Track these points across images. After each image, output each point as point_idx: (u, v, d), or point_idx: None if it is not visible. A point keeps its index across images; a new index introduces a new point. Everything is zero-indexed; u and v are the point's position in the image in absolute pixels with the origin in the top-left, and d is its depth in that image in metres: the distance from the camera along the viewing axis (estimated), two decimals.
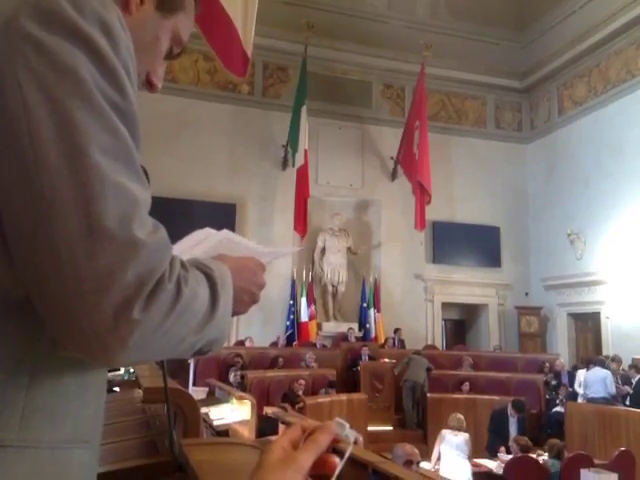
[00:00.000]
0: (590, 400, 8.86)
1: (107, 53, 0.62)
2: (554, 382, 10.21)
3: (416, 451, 4.28)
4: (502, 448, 7.21)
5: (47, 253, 0.58)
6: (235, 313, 0.79)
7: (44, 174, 0.58)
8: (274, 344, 11.36)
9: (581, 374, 9.61)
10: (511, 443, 6.95)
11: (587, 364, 9.61)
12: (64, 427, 0.68)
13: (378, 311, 12.61)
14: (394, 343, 12.13)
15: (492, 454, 7.31)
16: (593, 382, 9.08)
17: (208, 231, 0.99)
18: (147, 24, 0.80)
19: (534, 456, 6.11)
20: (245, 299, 0.84)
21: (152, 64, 0.85)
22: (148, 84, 0.86)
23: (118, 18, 0.65)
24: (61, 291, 0.58)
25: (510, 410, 7.82)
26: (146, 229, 0.62)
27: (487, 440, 7.78)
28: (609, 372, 9.21)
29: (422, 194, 12.30)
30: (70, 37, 0.60)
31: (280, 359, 10.06)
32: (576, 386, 9.62)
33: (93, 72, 0.61)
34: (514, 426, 7.77)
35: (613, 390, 8.97)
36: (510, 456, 6.42)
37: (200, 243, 0.98)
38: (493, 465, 6.66)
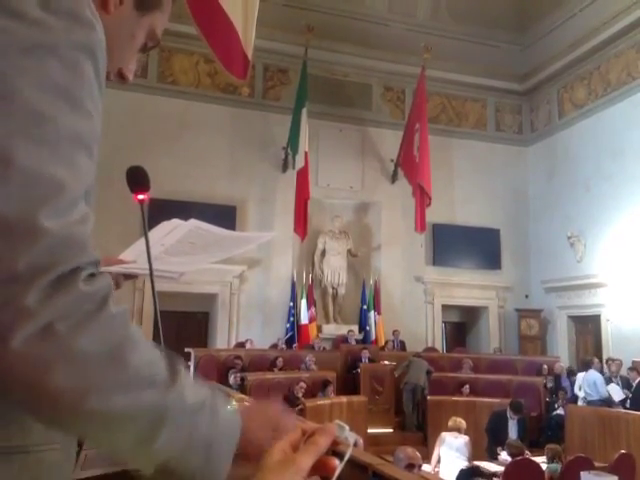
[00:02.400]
0: (589, 403, 8.89)
1: (64, 43, 0.61)
2: (551, 385, 10.22)
3: (418, 454, 4.26)
4: (499, 448, 7.19)
5: None
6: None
7: None
8: (274, 346, 11.35)
9: (580, 377, 9.63)
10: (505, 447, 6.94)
11: (585, 366, 9.67)
12: (33, 430, 0.66)
13: (378, 313, 12.60)
14: (394, 345, 12.13)
15: (491, 455, 7.29)
16: (586, 385, 9.14)
17: (176, 222, 0.99)
18: (124, 23, 0.80)
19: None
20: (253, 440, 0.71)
21: (126, 59, 0.85)
22: (120, 77, 0.86)
23: (89, 8, 0.65)
24: None
25: (509, 412, 7.81)
26: (61, 218, 0.57)
27: (486, 442, 7.77)
28: (599, 374, 9.25)
29: (422, 196, 12.29)
30: (25, 25, 0.59)
31: (279, 359, 10.03)
32: (576, 389, 9.62)
33: (38, 59, 0.59)
34: (514, 428, 7.75)
35: (604, 392, 8.98)
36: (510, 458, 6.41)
37: (170, 233, 0.99)
38: (493, 467, 6.64)
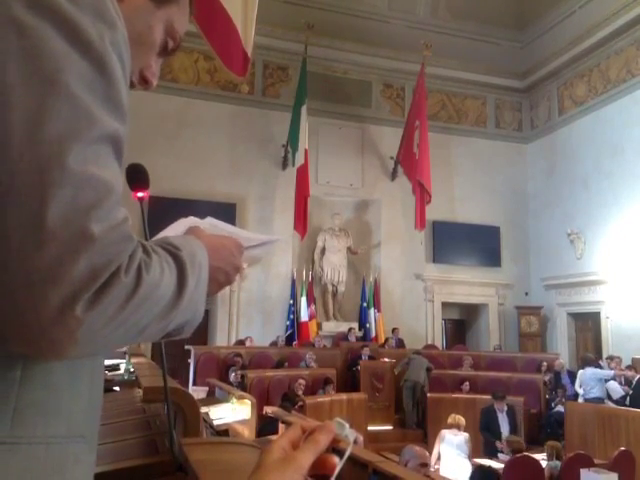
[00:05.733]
0: (587, 400, 8.90)
1: (96, 42, 0.61)
2: (549, 381, 10.23)
3: (426, 453, 4.25)
4: (498, 443, 7.19)
5: None
6: (207, 293, 0.76)
7: (3, 158, 0.55)
8: (274, 344, 11.36)
9: (581, 374, 9.64)
10: (503, 444, 6.93)
11: (584, 363, 9.69)
12: (57, 421, 0.66)
13: (378, 311, 12.61)
14: (394, 343, 12.13)
15: (487, 453, 7.28)
16: (584, 382, 9.16)
17: (192, 219, 0.97)
18: (140, 13, 0.79)
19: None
20: (220, 279, 0.82)
21: (146, 59, 0.83)
22: (142, 80, 0.85)
23: (112, 3, 0.64)
24: (8, 282, 0.55)
25: (495, 404, 7.82)
26: (108, 220, 0.59)
27: (482, 440, 7.76)
28: (598, 371, 9.26)
29: (422, 194, 12.30)
30: (57, 23, 0.58)
31: (286, 363, 10.00)
32: (576, 386, 9.64)
33: (76, 60, 0.59)
34: (505, 421, 7.76)
35: (598, 390, 9.01)
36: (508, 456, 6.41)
37: None
38: (494, 464, 6.65)
